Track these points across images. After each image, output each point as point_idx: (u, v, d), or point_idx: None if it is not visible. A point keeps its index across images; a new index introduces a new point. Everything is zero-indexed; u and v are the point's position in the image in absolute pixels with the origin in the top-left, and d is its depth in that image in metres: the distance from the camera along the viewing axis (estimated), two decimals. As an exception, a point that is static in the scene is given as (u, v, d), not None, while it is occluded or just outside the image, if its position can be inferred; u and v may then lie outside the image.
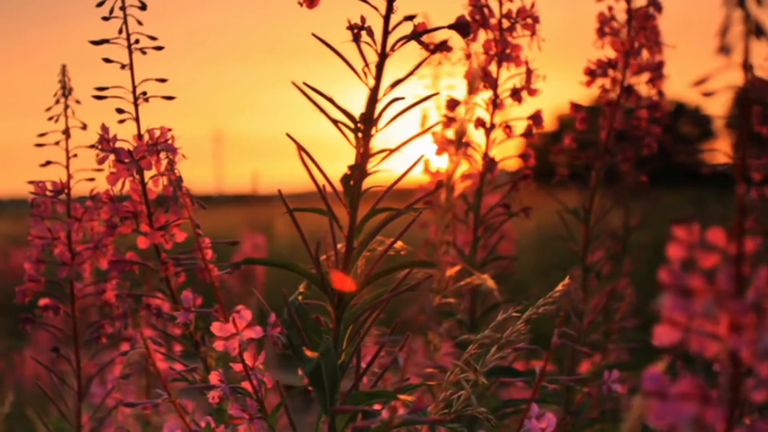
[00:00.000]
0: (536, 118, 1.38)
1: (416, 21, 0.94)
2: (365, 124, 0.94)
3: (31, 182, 1.34)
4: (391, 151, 0.95)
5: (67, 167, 1.37)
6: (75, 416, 1.37)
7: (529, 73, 1.35)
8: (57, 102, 1.38)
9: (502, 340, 1.10)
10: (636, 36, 1.46)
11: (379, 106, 0.96)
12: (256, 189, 2.78)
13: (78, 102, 1.39)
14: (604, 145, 1.52)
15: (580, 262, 1.56)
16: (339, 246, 1.10)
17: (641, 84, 1.55)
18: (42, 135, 1.37)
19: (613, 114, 1.51)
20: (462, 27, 0.91)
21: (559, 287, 1.10)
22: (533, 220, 1.45)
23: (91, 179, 1.35)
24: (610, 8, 1.50)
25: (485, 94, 1.40)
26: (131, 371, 1.45)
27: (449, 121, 1.39)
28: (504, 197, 1.43)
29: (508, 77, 1.39)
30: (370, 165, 0.97)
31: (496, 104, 1.39)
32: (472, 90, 1.33)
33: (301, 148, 0.97)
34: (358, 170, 0.95)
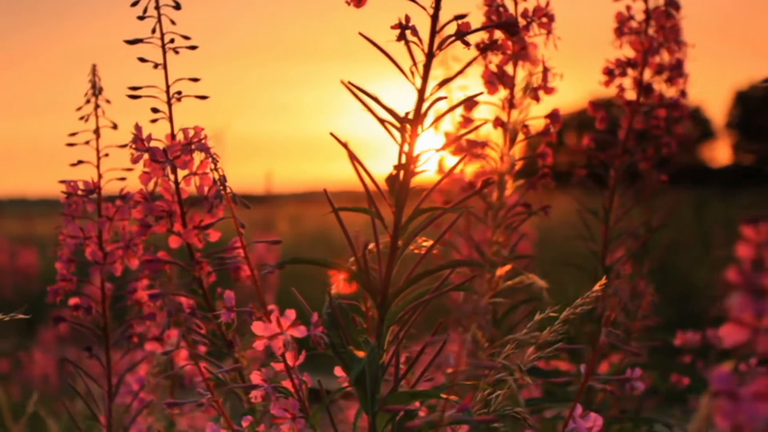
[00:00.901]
0: (554, 116, 1.39)
1: (461, 21, 0.95)
2: (412, 123, 0.94)
3: (62, 182, 1.34)
4: (437, 150, 0.96)
5: (98, 167, 1.37)
6: (105, 416, 1.37)
7: (545, 71, 1.35)
8: (87, 101, 1.38)
9: (540, 339, 1.11)
10: (655, 35, 1.47)
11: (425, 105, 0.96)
12: (270, 189, 2.77)
13: (108, 101, 1.39)
14: (624, 144, 1.53)
15: (600, 262, 1.56)
16: (371, 246, 1.11)
17: (660, 83, 1.55)
18: (72, 134, 1.37)
19: (632, 113, 1.52)
20: (510, 26, 0.92)
21: (596, 287, 1.11)
22: (548, 219, 1.45)
23: (122, 179, 1.35)
24: (629, 7, 1.50)
25: (502, 94, 1.40)
26: (160, 371, 1.45)
27: (467, 121, 1.39)
28: (523, 196, 1.44)
29: (525, 76, 1.39)
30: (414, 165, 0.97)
31: (512, 103, 1.39)
32: (489, 90, 1.33)
33: (346, 147, 0.97)
34: (405, 169, 0.95)
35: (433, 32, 0.94)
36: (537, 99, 1.26)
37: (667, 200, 1.78)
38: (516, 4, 1.28)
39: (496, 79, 1.26)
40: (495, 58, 1.24)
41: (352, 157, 0.95)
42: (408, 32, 0.97)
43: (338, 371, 1.13)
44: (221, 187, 1.02)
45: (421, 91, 0.95)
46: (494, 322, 1.38)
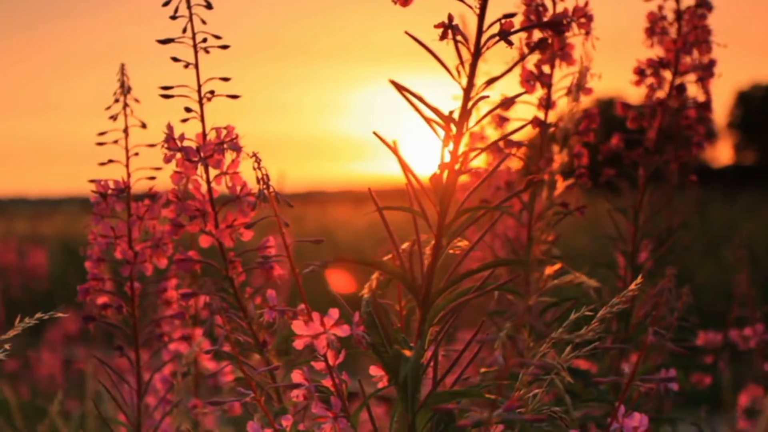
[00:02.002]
0: (591, 116, 1.39)
1: (505, 20, 0.94)
2: (458, 122, 0.94)
3: (92, 181, 1.34)
4: (483, 149, 0.95)
5: (127, 166, 1.36)
6: (135, 414, 1.37)
7: (584, 71, 1.35)
8: (116, 101, 1.38)
9: (577, 338, 1.11)
10: (687, 35, 1.47)
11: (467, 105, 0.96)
12: (282, 189, 2.77)
13: (137, 101, 1.39)
14: (654, 144, 1.53)
15: (629, 262, 1.56)
16: (403, 245, 1.11)
17: (690, 83, 1.55)
18: (101, 134, 1.37)
19: (663, 113, 1.52)
20: (556, 25, 0.91)
21: (632, 286, 1.11)
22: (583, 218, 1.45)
23: (152, 178, 1.35)
24: (661, 7, 1.50)
25: (539, 93, 1.40)
26: (186, 370, 1.44)
27: (502, 121, 1.39)
28: (559, 196, 1.43)
29: (562, 76, 1.39)
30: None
31: (549, 103, 1.39)
32: (527, 89, 1.33)
33: (390, 147, 0.97)
34: (449, 169, 0.95)
35: (480, 31, 0.93)
36: (576, 99, 1.26)
37: (689, 200, 1.77)
38: (554, 4, 1.28)
39: (534, 79, 1.26)
40: (532, 58, 1.24)
41: (399, 158, 0.95)
42: (451, 31, 0.97)
43: (374, 370, 1.13)
44: (264, 186, 1.01)
45: (467, 90, 0.94)
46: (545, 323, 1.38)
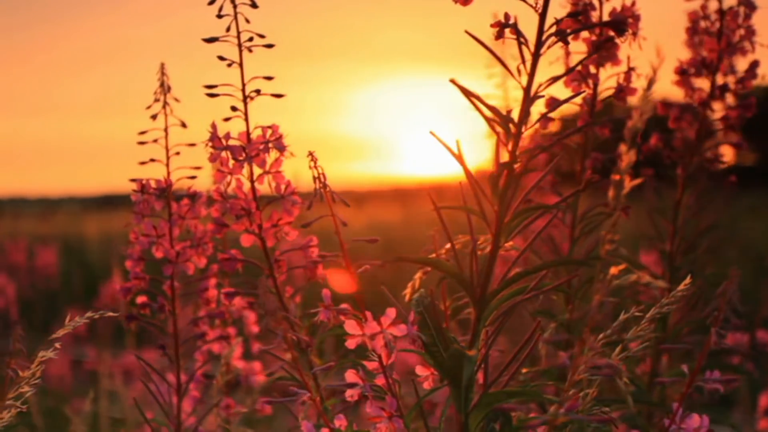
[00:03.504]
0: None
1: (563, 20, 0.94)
2: (518, 121, 0.93)
3: (133, 180, 1.34)
4: (542, 149, 0.95)
5: (167, 165, 1.36)
6: (176, 414, 1.37)
7: (629, 71, 1.34)
8: (156, 100, 1.37)
9: (628, 338, 1.10)
10: (731, 34, 1.47)
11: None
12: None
13: (177, 100, 1.39)
14: (695, 144, 1.52)
15: (669, 262, 1.56)
16: (448, 245, 1.10)
17: (732, 84, 1.54)
18: (142, 133, 1.37)
19: (704, 113, 1.51)
20: (619, 24, 0.91)
21: (682, 286, 1.10)
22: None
23: (193, 177, 1.35)
24: (704, 7, 1.50)
25: (584, 93, 1.39)
26: (225, 370, 1.44)
27: (547, 121, 1.38)
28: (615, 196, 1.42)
29: (607, 76, 1.38)
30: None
31: (594, 104, 1.39)
32: (573, 89, 1.33)
33: (448, 147, 0.96)
34: (509, 168, 0.94)
35: (541, 31, 0.93)
36: (623, 100, 1.25)
37: (721, 201, 1.77)
38: (601, 3, 1.27)
39: (580, 79, 1.25)
40: (576, 58, 1.23)
41: (458, 157, 0.95)
42: (507, 30, 0.96)
43: (420, 370, 1.12)
44: (321, 185, 1.01)
45: (527, 89, 0.94)
46: (567, 324, 1.38)
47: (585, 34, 1.17)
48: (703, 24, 1.50)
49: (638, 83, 1.33)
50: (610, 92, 1.32)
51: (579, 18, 1.19)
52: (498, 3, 0.97)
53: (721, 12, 1.50)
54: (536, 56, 0.93)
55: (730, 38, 1.49)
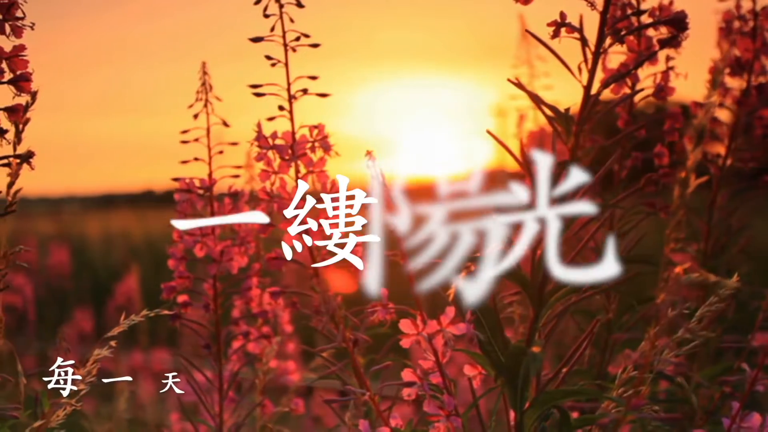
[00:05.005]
0: (674, 116, 1.38)
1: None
2: (578, 120, 0.94)
3: (176, 179, 1.34)
4: (601, 147, 0.95)
5: (210, 164, 1.37)
6: (218, 415, 1.37)
7: (668, 71, 1.35)
8: (198, 99, 1.38)
9: (676, 338, 1.11)
10: (766, 34, 1.47)
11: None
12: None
13: (218, 99, 1.39)
14: (730, 144, 1.53)
15: (703, 261, 1.56)
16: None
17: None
18: (184, 132, 1.37)
19: (739, 113, 1.52)
20: (679, 22, 0.91)
21: (730, 285, 1.11)
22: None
23: (236, 176, 1.36)
24: (738, 7, 1.50)
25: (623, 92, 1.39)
26: (267, 369, 1.44)
27: (620, 86, 1.37)
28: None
29: (645, 76, 1.39)
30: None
31: (633, 103, 1.39)
32: (613, 89, 1.33)
33: (505, 145, 0.97)
34: (569, 167, 0.95)
35: (602, 30, 0.93)
36: (663, 99, 1.25)
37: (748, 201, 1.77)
38: (638, 3, 1.28)
39: (620, 78, 1.26)
40: (615, 58, 1.24)
41: (515, 156, 0.95)
42: (564, 29, 0.97)
43: (468, 369, 1.13)
44: (381, 183, 1.01)
45: (587, 88, 0.95)
46: (607, 325, 1.38)
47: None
48: (738, 24, 1.51)
49: (676, 82, 1.34)
50: (649, 92, 1.33)
51: (617, 15, 1.20)
52: (554, 3, 0.98)
53: (754, 12, 1.50)
54: (596, 55, 0.94)
55: (765, 38, 1.49)
